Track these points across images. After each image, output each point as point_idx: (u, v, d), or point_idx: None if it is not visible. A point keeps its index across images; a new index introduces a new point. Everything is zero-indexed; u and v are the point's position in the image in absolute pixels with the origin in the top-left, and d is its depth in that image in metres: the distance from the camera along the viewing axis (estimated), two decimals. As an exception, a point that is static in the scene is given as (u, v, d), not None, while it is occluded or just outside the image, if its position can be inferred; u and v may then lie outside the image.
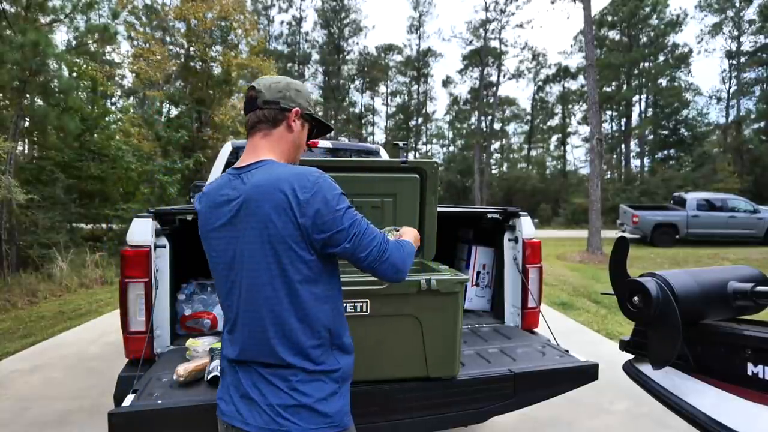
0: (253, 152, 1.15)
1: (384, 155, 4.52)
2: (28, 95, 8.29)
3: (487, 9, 32.36)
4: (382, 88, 39.09)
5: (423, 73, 37.98)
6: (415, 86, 38.42)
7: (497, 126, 36.88)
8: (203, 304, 2.35)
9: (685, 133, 29.03)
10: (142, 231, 1.91)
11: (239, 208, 1.06)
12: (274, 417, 1.01)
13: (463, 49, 36.06)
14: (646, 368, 1.08)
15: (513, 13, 39.26)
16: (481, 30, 32.98)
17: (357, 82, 38.20)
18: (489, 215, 2.51)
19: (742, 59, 27.67)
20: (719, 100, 29.43)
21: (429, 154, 39.49)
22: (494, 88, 34.63)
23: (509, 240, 2.45)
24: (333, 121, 33.69)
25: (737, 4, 26.90)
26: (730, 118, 28.56)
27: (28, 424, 2.80)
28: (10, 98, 8.48)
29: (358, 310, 1.57)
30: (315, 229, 1.02)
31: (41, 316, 5.60)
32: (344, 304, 1.53)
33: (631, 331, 1.17)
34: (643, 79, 31.30)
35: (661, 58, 30.36)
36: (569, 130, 36.11)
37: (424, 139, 40.52)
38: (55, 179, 8.94)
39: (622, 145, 32.20)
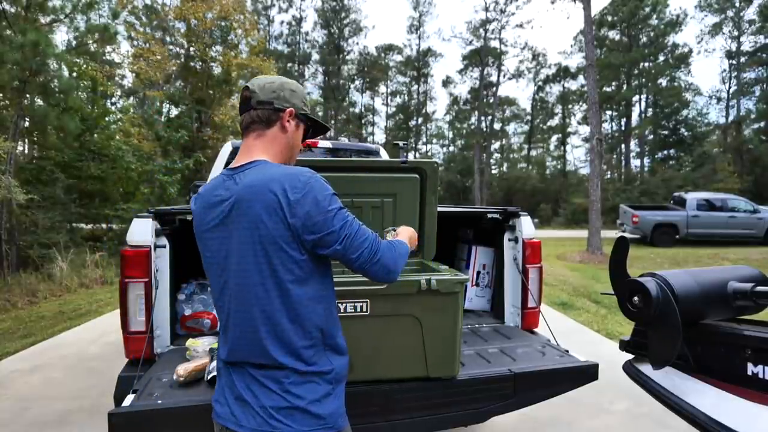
0: (246, 153, 1.15)
1: (384, 155, 4.52)
2: (28, 95, 8.28)
3: (487, 9, 32.40)
4: (382, 88, 39.16)
5: (423, 73, 38.00)
6: (415, 86, 38.46)
7: (497, 126, 36.91)
8: (203, 304, 2.35)
9: (685, 133, 29.03)
10: (142, 231, 1.91)
11: (231, 209, 1.06)
12: (267, 419, 1.01)
13: (463, 49, 36.15)
14: (646, 368, 1.08)
15: (513, 13, 39.38)
16: (481, 30, 33.01)
17: (357, 82, 38.22)
18: (489, 215, 2.51)
19: (742, 59, 27.67)
20: (719, 100, 29.48)
21: (429, 154, 39.50)
22: (494, 88, 34.65)
23: (509, 240, 2.45)
24: (333, 121, 33.72)
25: (737, 4, 26.90)
26: (730, 118, 28.60)
27: (28, 424, 2.79)
28: (10, 98, 8.48)
29: (358, 310, 1.57)
30: (305, 230, 1.02)
31: (41, 316, 5.60)
32: (345, 304, 1.55)
33: (631, 331, 1.17)
34: (643, 79, 31.30)
35: (661, 58, 30.37)
36: (569, 130, 36.16)
37: (424, 139, 40.57)
38: (55, 179, 8.94)
39: (622, 145, 32.21)
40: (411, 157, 2.48)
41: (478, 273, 2.77)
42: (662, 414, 1.87)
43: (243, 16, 15.59)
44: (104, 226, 10.61)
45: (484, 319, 2.59)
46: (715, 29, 28.47)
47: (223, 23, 14.80)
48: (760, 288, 0.95)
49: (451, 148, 40.60)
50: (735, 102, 28.42)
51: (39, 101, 8.95)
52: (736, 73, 28.34)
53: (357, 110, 38.50)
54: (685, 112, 29.41)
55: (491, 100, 34.97)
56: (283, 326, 1.04)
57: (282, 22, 35.89)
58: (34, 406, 3.03)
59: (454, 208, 2.95)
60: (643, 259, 10.54)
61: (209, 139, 14.03)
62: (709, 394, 0.95)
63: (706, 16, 28.80)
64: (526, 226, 2.37)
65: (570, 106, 36.00)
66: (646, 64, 30.98)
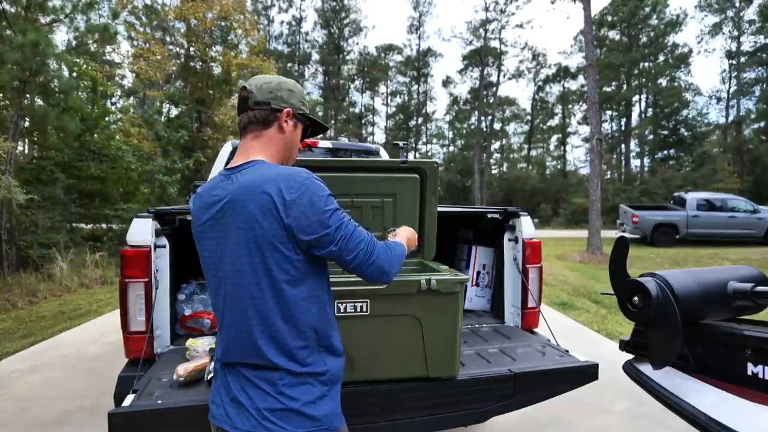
0: (244, 153, 1.15)
1: (384, 155, 4.52)
2: (28, 95, 8.28)
3: (487, 9, 32.40)
4: (382, 88, 39.16)
5: (423, 73, 38.00)
6: (415, 86, 38.46)
7: (497, 126, 36.91)
8: (203, 304, 2.35)
9: (685, 133, 29.04)
10: (142, 231, 1.91)
11: (226, 209, 1.06)
12: (261, 421, 1.01)
13: (463, 49, 36.16)
14: (646, 368, 1.08)
15: (513, 13, 39.41)
16: (481, 30, 33.01)
17: (357, 82, 38.22)
18: (489, 215, 2.51)
19: (742, 59, 27.68)
20: (719, 100, 29.48)
21: (429, 154, 39.50)
22: (494, 88, 34.65)
23: (509, 240, 2.45)
24: (333, 121, 33.71)
25: (737, 4, 26.90)
26: (730, 118, 28.60)
27: (28, 424, 2.79)
28: (10, 98, 8.48)
29: (358, 310, 1.57)
30: (301, 231, 1.01)
31: (41, 316, 5.60)
32: (344, 304, 1.55)
33: (631, 331, 1.17)
34: (643, 79, 31.30)
35: (661, 58, 30.37)
36: (569, 130, 36.15)
37: (424, 139, 40.56)
38: (55, 179, 8.94)
39: (622, 145, 32.21)
40: (411, 157, 2.48)
41: (478, 273, 2.77)
42: (662, 414, 1.87)
43: (243, 16, 15.59)
44: (104, 226, 10.61)
45: (484, 319, 2.59)
46: (715, 29, 28.48)
47: (223, 23, 14.80)
48: (760, 288, 0.95)
49: (451, 148, 40.65)
50: (735, 102, 28.45)
51: (39, 101, 8.95)
52: (736, 73, 28.36)
53: (357, 110, 38.51)
54: (685, 112, 29.43)
55: (491, 100, 34.97)
56: (277, 326, 1.03)
57: (282, 22, 35.97)
58: (34, 406, 3.03)
59: (454, 208, 2.94)
60: (643, 259, 10.54)
61: (209, 139, 14.03)
62: (709, 394, 0.95)
63: (706, 16, 28.85)
64: (526, 226, 2.37)
65: (570, 106, 36.02)
66: (646, 64, 30.99)
